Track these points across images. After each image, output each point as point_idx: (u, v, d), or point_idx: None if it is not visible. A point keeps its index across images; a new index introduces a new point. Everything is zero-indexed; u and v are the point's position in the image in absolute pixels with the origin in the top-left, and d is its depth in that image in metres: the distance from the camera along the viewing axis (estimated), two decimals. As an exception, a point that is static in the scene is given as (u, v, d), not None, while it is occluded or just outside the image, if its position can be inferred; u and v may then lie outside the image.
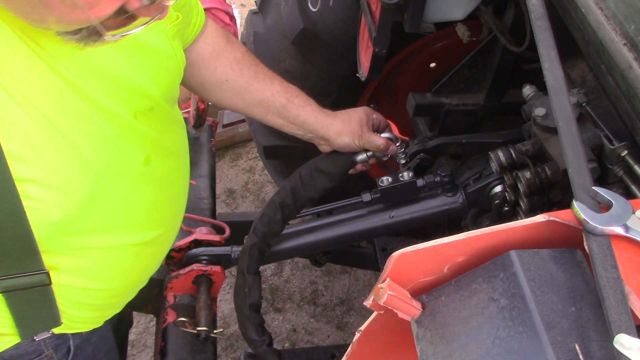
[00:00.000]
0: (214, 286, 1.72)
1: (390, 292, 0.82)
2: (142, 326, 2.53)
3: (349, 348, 0.94)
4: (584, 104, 1.23)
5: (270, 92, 1.41)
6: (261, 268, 2.67)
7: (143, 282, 1.34)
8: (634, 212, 0.82)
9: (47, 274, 1.06)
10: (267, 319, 2.59)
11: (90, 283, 1.17)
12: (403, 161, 1.55)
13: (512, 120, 1.64)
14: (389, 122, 1.54)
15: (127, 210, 1.15)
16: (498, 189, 1.42)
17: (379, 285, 0.84)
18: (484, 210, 1.51)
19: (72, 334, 1.25)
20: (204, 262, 1.71)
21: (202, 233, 1.82)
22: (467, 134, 1.67)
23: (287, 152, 2.13)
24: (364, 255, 2.07)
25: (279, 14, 1.96)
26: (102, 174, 1.04)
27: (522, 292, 0.78)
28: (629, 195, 1.11)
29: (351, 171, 1.53)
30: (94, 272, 1.16)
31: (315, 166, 1.50)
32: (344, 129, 1.45)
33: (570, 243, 0.85)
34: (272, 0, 2.01)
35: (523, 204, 1.31)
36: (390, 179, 1.43)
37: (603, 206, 0.85)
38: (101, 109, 1.02)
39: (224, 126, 3.06)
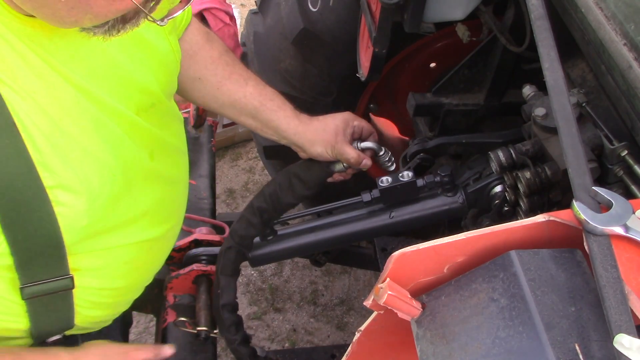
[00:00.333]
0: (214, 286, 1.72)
1: (390, 292, 0.82)
2: (142, 326, 2.53)
3: (349, 348, 0.94)
4: (584, 104, 1.23)
5: (242, 94, 1.38)
6: (261, 268, 2.70)
7: (151, 278, 1.35)
8: (634, 212, 0.82)
9: (72, 278, 1.07)
10: (267, 319, 2.60)
11: (107, 282, 1.18)
12: (391, 168, 1.51)
13: (512, 120, 1.64)
14: (373, 128, 1.50)
15: (141, 207, 1.16)
16: (498, 189, 1.42)
17: (379, 285, 0.84)
18: (484, 210, 1.51)
19: (81, 335, 1.26)
20: (204, 262, 1.71)
21: (202, 233, 1.82)
22: (467, 134, 1.67)
23: (287, 152, 2.12)
24: (364, 255, 2.07)
25: (279, 14, 1.96)
26: (120, 175, 1.06)
27: (522, 292, 0.78)
28: (629, 195, 1.11)
29: (330, 180, 1.50)
30: (111, 271, 1.17)
31: (293, 172, 1.48)
32: (316, 137, 1.41)
33: (570, 243, 0.85)
34: (272, 0, 2.01)
35: (523, 204, 1.31)
36: (390, 179, 1.43)
37: (603, 206, 0.85)
38: (109, 109, 1.03)
39: (224, 126, 3.06)
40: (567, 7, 1.16)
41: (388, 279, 0.84)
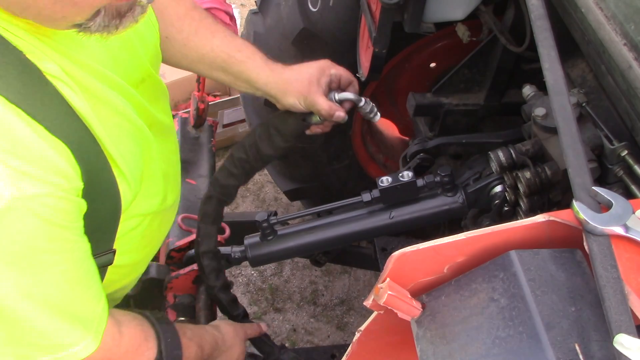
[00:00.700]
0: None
1: (390, 292, 0.82)
2: (142, 326, 2.53)
3: (349, 348, 0.95)
4: (584, 104, 1.23)
5: (210, 48, 1.34)
6: (261, 268, 2.70)
7: (155, 253, 1.36)
8: (634, 212, 0.82)
9: (114, 252, 1.06)
10: (267, 319, 2.59)
11: (125, 258, 1.18)
12: (375, 119, 1.44)
13: (512, 120, 1.64)
14: (353, 77, 1.42)
15: (154, 179, 1.18)
16: (498, 189, 1.42)
17: (379, 285, 0.84)
18: (484, 210, 1.51)
19: None
20: (204, 262, 1.71)
21: (202, 233, 1.82)
22: (467, 134, 1.67)
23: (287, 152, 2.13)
24: (364, 255, 2.07)
25: (279, 14, 1.96)
26: (141, 149, 1.08)
27: (522, 292, 0.78)
28: (629, 195, 1.11)
29: (308, 132, 1.45)
30: (130, 245, 1.17)
31: (271, 123, 1.45)
32: (288, 87, 1.34)
33: (570, 243, 0.85)
34: (272, 0, 2.01)
35: (523, 204, 1.31)
36: (390, 179, 1.42)
37: (603, 206, 0.85)
38: (116, 85, 1.03)
39: (224, 126, 3.06)
40: (567, 7, 1.16)
41: (388, 279, 0.84)
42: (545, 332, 0.74)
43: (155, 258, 1.94)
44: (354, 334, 0.93)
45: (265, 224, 1.48)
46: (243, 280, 2.72)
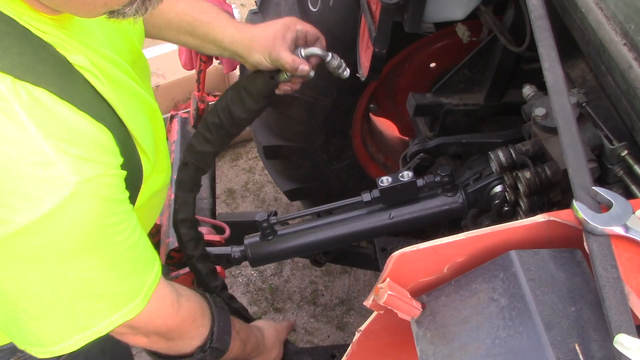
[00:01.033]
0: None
1: (390, 292, 0.83)
2: (142, 326, 2.53)
3: (349, 348, 0.95)
4: (584, 104, 1.23)
5: (175, 12, 1.36)
6: (261, 268, 2.70)
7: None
8: (634, 212, 0.82)
9: None
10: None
11: None
12: (345, 74, 1.44)
13: (512, 120, 1.64)
14: (320, 33, 1.44)
15: (156, 157, 1.20)
16: (498, 189, 1.42)
17: (379, 285, 0.84)
18: (484, 210, 1.51)
19: None
20: (204, 262, 1.71)
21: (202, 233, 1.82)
22: (467, 134, 1.67)
23: (287, 152, 2.13)
24: (364, 255, 2.07)
25: (279, 14, 1.95)
26: (154, 131, 1.13)
27: (522, 292, 0.78)
28: (629, 195, 1.11)
29: (278, 92, 1.45)
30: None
31: (242, 85, 1.45)
32: (253, 44, 1.36)
33: (570, 243, 0.85)
34: (272, 0, 2.01)
35: (523, 204, 1.31)
36: (390, 179, 1.42)
37: (603, 206, 0.85)
38: (124, 69, 1.06)
39: (224, 126, 3.06)
40: (567, 7, 1.16)
41: (388, 279, 0.84)
42: (545, 332, 0.74)
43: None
44: (354, 334, 0.93)
45: (265, 224, 1.48)
46: (243, 280, 2.72)
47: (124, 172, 0.96)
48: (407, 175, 1.42)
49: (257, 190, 3.06)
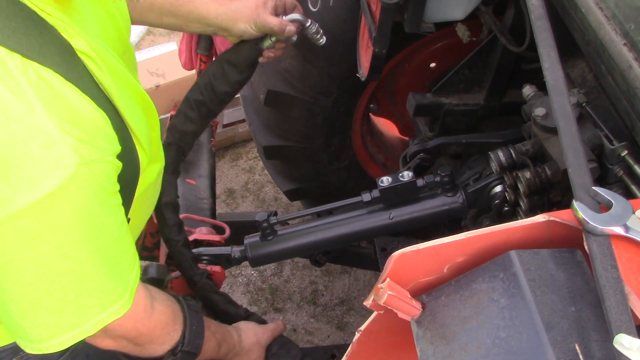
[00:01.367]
0: None
1: (390, 292, 0.83)
2: (142, 326, 2.53)
3: (349, 348, 0.95)
4: (584, 104, 1.23)
5: None
6: (261, 268, 2.70)
7: (142, 228, 1.37)
8: (634, 212, 0.82)
9: (128, 221, 1.08)
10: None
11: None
12: (321, 41, 1.52)
13: (512, 120, 1.64)
14: (297, 3, 1.50)
15: (158, 144, 1.21)
16: (498, 189, 1.42)
17: (379, 285, 0.84)
18: (484, 210, 1.51)
19: None
20: (204, 262, 1.70)
21: (202, 233, 1.81)
22: (467, 134, 1.67)
23: (287, 152, 2.13)
24: (364, 255, 2.07)
25: (279, 14, 1.96)
26: (149, 121, 1.13)
27: (522, 292, 0.78)
28: (629, 195, 1.11)
29: (262, 60, 1.50)
30: (134, 213, 1.19)
31: (224, 58, 1.47)
32: (237, 15, 1.41)
33: (570, 243, 0.85)
34: (272, 0, 2.01)
35: (523, 204, 1.31)
36: (390, 179, 1.43)
37: (603, 206, 0.85)
38: (117, 58, 1.06)
39: (224, 126, 3.06)
40: (567, 7, 1.16)
41: (388, 279, 0.84)
42: (545, 332, 0.74)
43: (156, 258, 1.94)
44: (354, 334, 0.93)
45: (265, 224, 1.48)
46: (243, 280, 2.72)
47: (119, 164, 0.95)
48: (407, 175, 1.42)
49: (257, 190, 3.06)
